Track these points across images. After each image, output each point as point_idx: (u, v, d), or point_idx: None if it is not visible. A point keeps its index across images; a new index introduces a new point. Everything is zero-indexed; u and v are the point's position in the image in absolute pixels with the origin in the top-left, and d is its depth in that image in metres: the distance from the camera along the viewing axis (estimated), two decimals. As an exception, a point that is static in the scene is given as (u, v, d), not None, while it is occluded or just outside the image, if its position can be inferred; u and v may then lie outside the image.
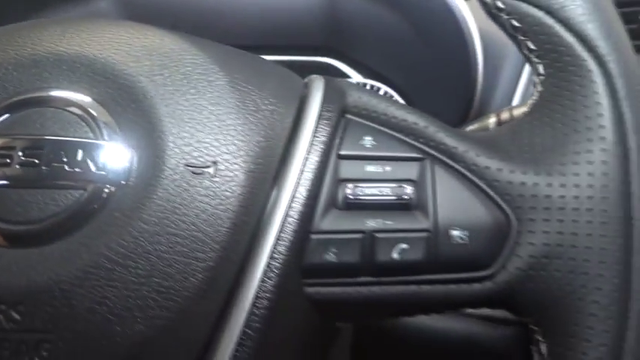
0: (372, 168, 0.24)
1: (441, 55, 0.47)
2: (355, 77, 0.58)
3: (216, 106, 0.23)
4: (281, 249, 0.22)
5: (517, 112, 0.34)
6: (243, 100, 0.24)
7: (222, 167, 0.22)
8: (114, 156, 0.22)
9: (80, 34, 0.25)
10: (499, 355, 0.52)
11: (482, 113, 0.44)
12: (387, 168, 0.24)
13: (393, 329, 0.48)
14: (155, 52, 0.24)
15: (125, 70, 0.23)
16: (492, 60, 0.45)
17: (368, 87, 0.57)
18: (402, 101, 0.55)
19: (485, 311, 0.51)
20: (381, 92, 0.57)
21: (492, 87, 0.46)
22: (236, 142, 0.23)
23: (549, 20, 0.24)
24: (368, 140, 0.25)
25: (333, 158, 0.24)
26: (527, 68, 0.47)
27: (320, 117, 0.25)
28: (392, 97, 0.53)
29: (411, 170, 0.24)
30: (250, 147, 0.23)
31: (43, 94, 0.23)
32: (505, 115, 0.36)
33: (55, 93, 0.23)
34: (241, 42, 0.56)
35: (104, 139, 0.22)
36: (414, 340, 0.49)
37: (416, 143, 0.24)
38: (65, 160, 0.21)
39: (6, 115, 0.22)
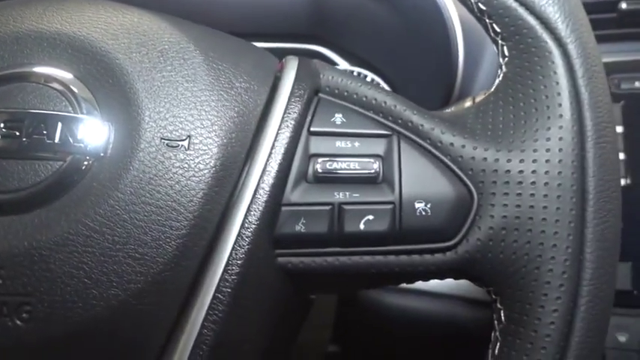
0: (341, 144, 0.25)
1: (423, 44, 0.48)
2: (343, 65, 0.59)
3: (191, 82, 0.24)
4: (252, 219, 0.23)
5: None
6: (217, 78, 0.25)
7: (197, 141, 0.23)
8: (92, 129, 0.23)
9: (61, 12, 0.25)
10: (481, 337, 0.53)
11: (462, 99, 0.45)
12: (356, 144, 0.25)
13: (376, 309, 0.50)
14: (133, 31, 0.25)
15: (103, 47, 0.24)
16: (473, 49, 0.46)
17: (355, 74, 0.58)
18: (387, 88, 0.56)
19: (469, 293, 0.52)
20: (368, 79, 0.58)
21: (473, 75, 0.47)
22: (210, 117, 0.24)
23: (513, 4, 0.25)
24: (338, 117, 0.26)
25: (304, 134, 0.25)
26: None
27: (292, 94, 0.26)
28: (378, 83, 0.54)
29: (378, 146, 0.25)
30: (224, 122, 0.24)
31: (25, 69, 0.24)
32: (480, 98, 0.37)
33: (36, 69, 0.24)
34: (229, 29, 0.57)
35: (83, 114, 0.23)
36: (398, 320, 0.51)
37: (384, 121, 0.25)
38: (45, 132, 0.22)
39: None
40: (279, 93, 0.26)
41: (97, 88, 0.24)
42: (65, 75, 0.24)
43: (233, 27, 0.59)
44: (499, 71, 0.27)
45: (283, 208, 0.24)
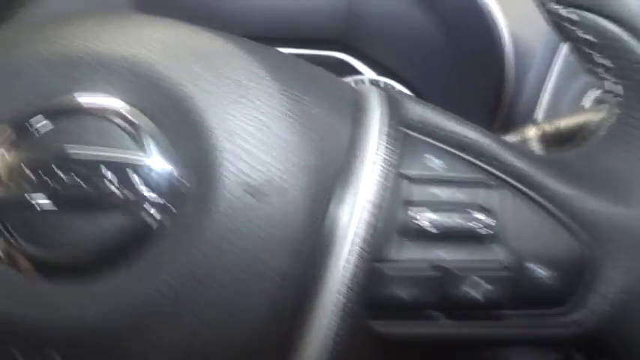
0: (439, 191, 0.22)
1: (465, 57, 0.45)
2: (368, 73, 0.56)
3: (268, 116, 0.21)
4: (341, 276, 0.20)
5: (564, 126, 0.33)
6: (296, 111, 0.22)
7: (280, 187, 0.20)
8: (164, 177, 0.19)
9: (116, 30, 0.22)
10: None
11: (508, 122, 0.43)
12: (458, 194, 0.22)
13: None
14: (200, 54, 0.22)
15: (169, 74, 0.21)
16: (519, 69, 0.43)
17: (382, 84, 0.55)
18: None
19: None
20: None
21: (516, 94, 0.45)
22: (292, 157, 0.21)
23: (633, 40, 0.22)
24: (432, 159, 0.23)
25: (396, 179, 0.22)
26: (552, 75, 0.45)
27: (380, 131, 0.22)
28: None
29: (483, 197, 0.22)
30: (306, 164, 0.21)
31: (82, 99, 0.20)
32: (549, 128, 0.34)
33: (94, 99, 0.20)
34: (253, 33, 0.53)
35: (153, 157, 0.19)
36: None
37: (487, 167, 0.22)
38: (110, 180, 0.19)
39: (42, 122, 0.19)
40: (366, 129, 0.23)
41: (167, 124, 0.20)
42: (128, 107, 0.20)
43: (255, 30, 0.55)
44: (607, 111, 0.24)
45: (376, 265, 0.21)
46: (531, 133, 0.35)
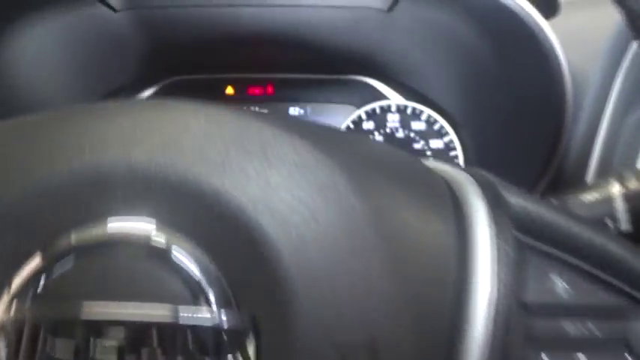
0: (571, 326, 0.17)
1: (516, 83, 0.40)
2: (396, 99, 0.51)
3: (357, 257, 0.16)
4: None
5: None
6: (391, 240, 0.17)
7: (381, 346, 0.15)
8: (232, 342, 0.14)
9: (154, 130, 0.17)
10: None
11: (565, 167, 0.38)
12: (597, 332, 0.17)
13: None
14: (263, 165, 0.16)
15: (227, 192, 0.16)
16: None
17: (409, 111, 0.50)
18: (450, 129, 0.49)
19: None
20: (424, 117, 0.50)
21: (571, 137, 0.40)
22: (391, 305, 0.16)
23: None
24: (557, 280, 0.18)
25: (518, 311, 0.17)
26: (609, 108, 0.41)
27: (493, 246, 0.18)
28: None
29: (628, 331, 0.17)
30: (410, 308, 0.16)
31: (116, 230, 0.15)
32: (634, 184, 0.30)
33: (133, 229, 0.15)
34: (277, 56, 0.48)
35: (217, 314, 0.14)
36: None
37: (630, 290, 0.18)
38: (165, 348, 0.14)
39: (68, 266, 0.14)
40: (473, 245, 0.18)
41: (230, 266, 0.15)
42: (180, 242, 0.15)
43: (275, 54, 0.50)
44: None
45: None
46: (614, 190, 0.31)
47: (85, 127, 0.16)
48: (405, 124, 0.51)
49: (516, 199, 0.19)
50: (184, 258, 0.15)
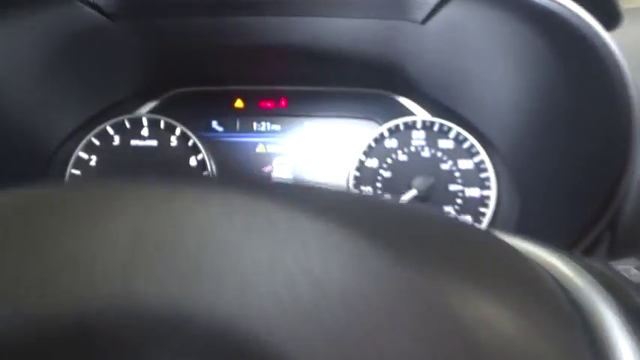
0: None
1: (576, 107, 0.35)
2: (420, 114, 0.47)
3: None
4: None
5: None
6: None
7: None
8: None
9: (174, 239, 0.12)
10: None
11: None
12: None
13: None
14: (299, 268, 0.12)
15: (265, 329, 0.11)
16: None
17: (436, 127, 0.46)
18: (480, 148, 0.44)
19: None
20: (452, 134, 0.45)
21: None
22: None
23: None
24: None
25: None
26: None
27: None
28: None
29: None
30: None
31: None
32: None
33: None
34: (302, 70, 0.43)
35: None
36: None
37: None
38: None
39: None
40: None
41: None
42: None
43: (300, 68, 0.45)
44: None
45: None
46: None
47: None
48: (431, 141, 0.46)
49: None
50: None
